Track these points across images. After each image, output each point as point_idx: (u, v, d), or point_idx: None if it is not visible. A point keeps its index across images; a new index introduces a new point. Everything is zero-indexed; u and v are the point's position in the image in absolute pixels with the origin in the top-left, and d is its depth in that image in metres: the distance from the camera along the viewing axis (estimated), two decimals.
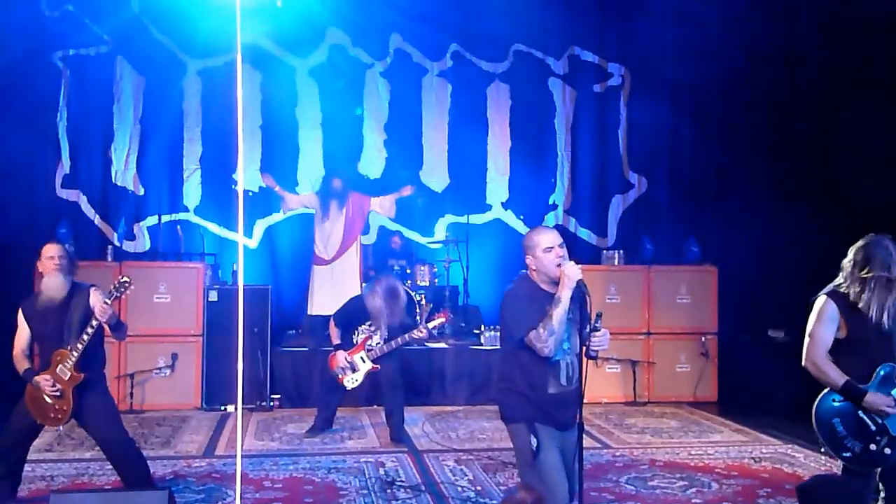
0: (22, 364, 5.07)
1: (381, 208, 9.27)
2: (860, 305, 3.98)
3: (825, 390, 4.06)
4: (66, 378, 4.89)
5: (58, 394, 4.90)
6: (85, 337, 4.83)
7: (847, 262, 4.11)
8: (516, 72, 10.63)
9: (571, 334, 3.92)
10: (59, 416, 4.99)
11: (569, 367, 3.94)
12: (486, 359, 8.77)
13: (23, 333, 5.10)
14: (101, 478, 5.88)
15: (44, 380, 4.90)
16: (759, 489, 5.75)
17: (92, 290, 5.05)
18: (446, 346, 8.99)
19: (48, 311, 4.99)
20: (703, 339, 9.12)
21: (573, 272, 3.82)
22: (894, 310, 3.99)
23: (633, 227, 10.49)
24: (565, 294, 3.81)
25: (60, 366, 4.88)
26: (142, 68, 9.84)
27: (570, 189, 10.71)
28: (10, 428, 5.11)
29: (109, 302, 4.82)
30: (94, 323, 4.82)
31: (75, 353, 4.85)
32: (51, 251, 5.03)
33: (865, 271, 4.01)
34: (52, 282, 4.99)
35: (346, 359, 6.99)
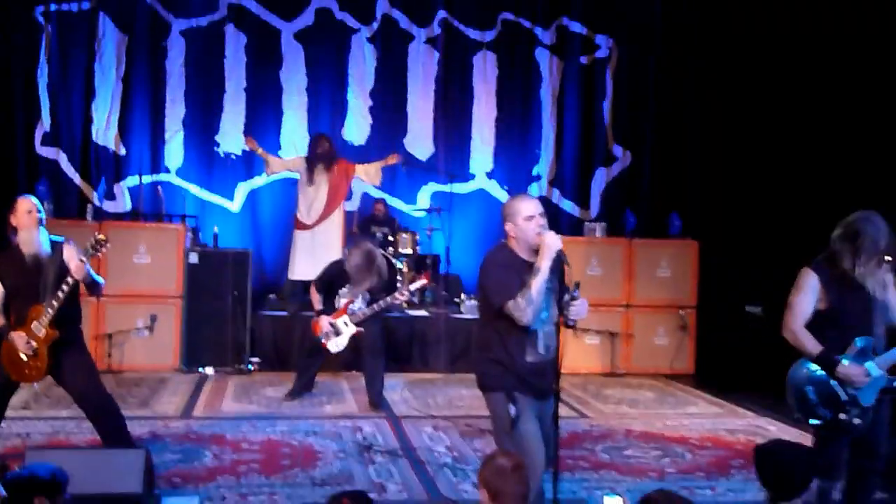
0: None
1: (367, 176, 9.24)
2: (853, 278, 4.02)
3: (800, 358, 4.12)
4: (41, 335, 4.83)
5: (32, 351, 4.86)
6: (60, 294, 4.77)
7: (836, 237, 4.13)
8: (504, 41, 10.56)
9: (550, 304, 3.90)
10: (35, 373, 4.94)
11: (547, 337, 3.93)
12: (466, 327, 8.79)
13: None
14: (77, 436, 5.88)
15: (18, 336, 4.85)
16: (732, 460, 5.83)
17: (65, 245, 4.99)
18: (427, 314, 9.02)
19: (22, 267, 4.90)
20: (682, 312, 9.20)
21: (553, 242, 3.81)
22: (885, 283, 4.05)
23: (616, 200, 10.51)
24: (545, 264, 3.79)
25: (35, 322, 4.82)
26: (125, 26, 9.69)
27: (554, 160, 10.70)
28: None
29: (86, 259, 4.77)
30: (70, 280, 4.77)
31: (51, 310, 4.79)
32: (28, 205, 4.91)
33: (855, 246, 4.04)
34: (31, 236, 4.90)
35: (329, 323, 6.98)
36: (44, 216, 4.99)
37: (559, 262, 3.86)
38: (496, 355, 3.94)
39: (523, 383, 3.90)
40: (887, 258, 4.03)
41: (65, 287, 4.77)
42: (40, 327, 4.83)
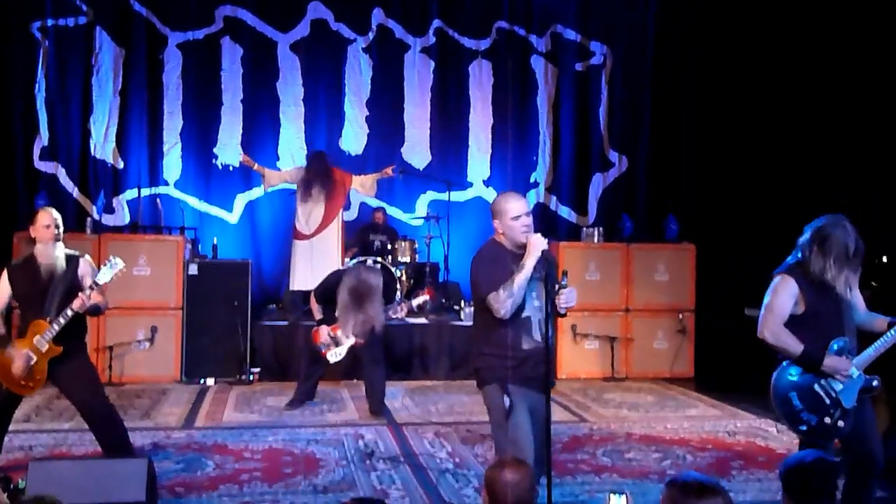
0: None
1: (362, 187, 9.28)
2: (824, 281, 4.05)
3: (782, 365, 4.15)
4: (44, 350, 4.84)
5: (31, 368, 4.85)
6: (69, 312, 4.79)
7: (804, 241, 4.16)
8: (499, 49, 10.62)
9: (540, 293, 4.07)
10: (31, 385, 4.93)
11: (541, 324, 4.08)
12: (465, 334, 8.80)
13: (2, 295, 5.05)
14: (79, 448, 5.89)
15: (19, 354, 4.82)
16: (733, 461, 5.85)
17: (81, 260, 5.03)
18: (427, 322, 9.03)
19: (36, 277, 4.93)
20: (681, 316, 9.22)
21: (538, 242, 4.01)
22: (851, 284, 4.09)
23: (613, 205, 10.56)
24: (529, 262, 3.98)
25: (38, 337, 4.83)
26: (122, 40, 9.73)
27: (551, 167, 10.74)
28: None
29: (101, 284, 4.80)
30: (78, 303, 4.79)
31: (56, 327, 4.79)
32: (47, 219, 4.96)
33: (825, 250, 4.07)
34: (47, 251, 4.94)
35: (329, 334, 7.00)
36: (61, 231, 5.02)
37: (546, 261, 4.05)
38: (492, 347, 4.10)
39: (517, 373, 4.04)
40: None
41: (74, 307, 4.78)
42: (43, 342, 4.83)
